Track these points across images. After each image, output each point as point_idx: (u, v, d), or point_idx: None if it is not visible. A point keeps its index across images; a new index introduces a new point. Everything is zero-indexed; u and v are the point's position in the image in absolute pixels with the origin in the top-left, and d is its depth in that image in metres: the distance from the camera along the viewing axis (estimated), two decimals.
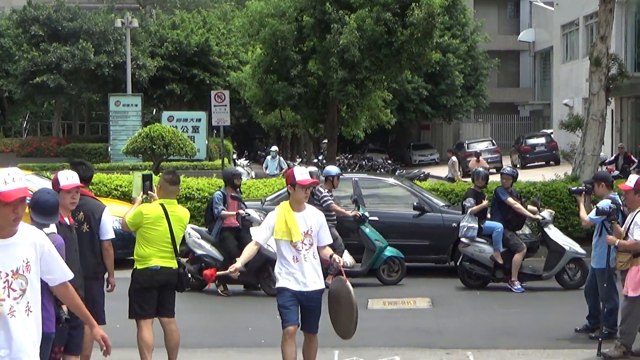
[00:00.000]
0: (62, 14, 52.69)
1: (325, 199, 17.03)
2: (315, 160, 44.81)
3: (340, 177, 17.99)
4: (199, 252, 16.39)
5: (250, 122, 62.12)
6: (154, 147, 30.00)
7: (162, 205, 10.24)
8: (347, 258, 15.93)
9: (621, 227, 11.54)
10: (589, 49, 25.89)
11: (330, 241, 10.04)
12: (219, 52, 55.26)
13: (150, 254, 10.15)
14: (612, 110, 43.55)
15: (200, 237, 16.65)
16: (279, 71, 41.47)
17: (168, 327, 10.41)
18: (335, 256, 9.74)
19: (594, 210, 12.45)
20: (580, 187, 14.50)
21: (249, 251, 9.79)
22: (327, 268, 13.90)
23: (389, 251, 17.18)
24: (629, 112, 49.50)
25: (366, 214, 17.29)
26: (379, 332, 13.47)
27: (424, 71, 46.25)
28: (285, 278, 9.62)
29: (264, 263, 15.43)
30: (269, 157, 38.31)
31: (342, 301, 9.61)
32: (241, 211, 16.19)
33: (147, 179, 10.91)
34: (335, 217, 16.91)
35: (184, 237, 14.41)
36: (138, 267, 10.28)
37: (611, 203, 12.09)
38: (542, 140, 55.21)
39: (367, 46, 38.19)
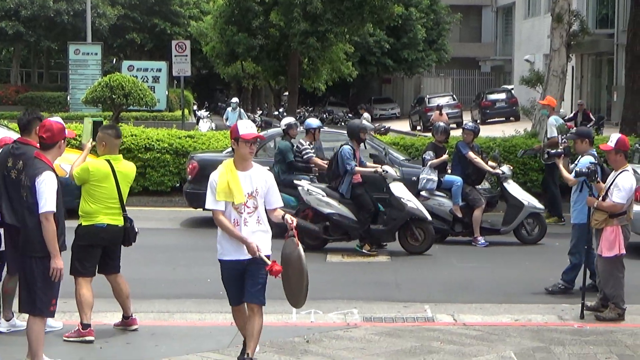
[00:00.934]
0: None
1: (307, 151, 17.02)
2: (276, 113, 44.74)
3: (322, 129, 17.97)
4: (327, 210, 15.58)
5: (211, 73, 61.87)
6: (113, 96, 29.64)
7: (108, 161, 9.92)
8: (391, 170, 15.87)
9: (603, 183, 11.54)
10: (550, 5, 25.86)
11: (281, 204, 8.94)
12: (180, 1, 54.89)
13: (96, 210, 9.82)
14: (573, 67, 43.86)
15: (325, 194, 15.78)
16: (240, 22, 41.33)
17: (115, 282, 10.20)
18: (288, 217, 8.66)
19: (573, 172, 12.35)
20: (556, 151, 14.17)
21: (227, 224, 8.51)
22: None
23: None
24: (589, 69, 49.80)
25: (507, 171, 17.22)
26: (337, 285, 13.46)
27: (386, 24, 46.28)
28: (224, 247, 8.72)
29: (406, 221, 15.54)
30: (229, 109, 38.11)
31: (292, 266, 8.65)
32: (379, 168, 15.73)
33: (98, 125, 10.70)
34: (315, 170, 16.94)
35: (299, 194, 15.79)
36: (83, 224, 9.93)
37: (590, 162, 11.99)
38: (502, 96, 55.46)
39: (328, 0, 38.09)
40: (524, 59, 53.99)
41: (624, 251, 11.18)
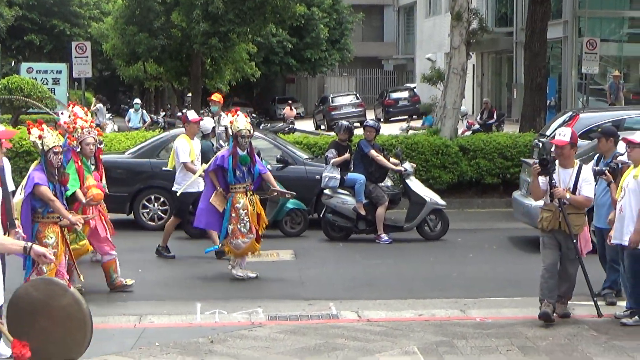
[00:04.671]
0: None
1: None
2: (179, 114, 44.37)
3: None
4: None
5: (113, 74, 61.08)
6: (12, 98, 29.21)
7: None
8: (410, 168, 16.83)
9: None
10: (450, 3, 26.09)
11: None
12: (80, 2, 54.19)
13: None
14: (473, 65, 44.51)
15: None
16: (141, 22, 40.99)
17: None
18: (38, 248, 6.66)
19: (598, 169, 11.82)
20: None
21: None
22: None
23: (292, 203, 17.17)
24: (489, 67, 50.55)
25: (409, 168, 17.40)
26: (242, 284, 13.40)
27: (289, 24, 46.33)
28: None
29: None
30: (131, 110, 37.75)
31: (57, 317, 6.69)
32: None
33: None
34: None
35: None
36: None
37: (611, 160, 11.68)
38: (405, 94, 55.97)
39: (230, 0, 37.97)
40: (425, 57, 54.53)
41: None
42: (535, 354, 9.55)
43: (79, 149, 12.26)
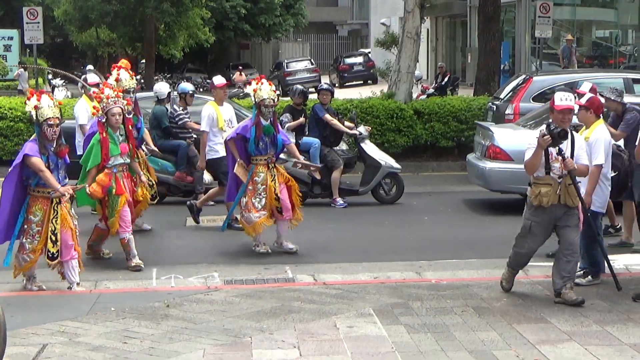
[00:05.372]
0: None
1: (181, 116, 16.77)
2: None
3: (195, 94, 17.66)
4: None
5: (65, 41, 60.52)
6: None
7: None
8: (365, 132, 16.72)
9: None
10: None
11: None
12: None
13: None
14: (427, 29, 44.46)
15: None
16: None
17: None
18: None
19: None
20: None
21: None
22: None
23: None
24: (443, 32, 50.53)
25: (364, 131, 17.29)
26: (197, 249, 13.45)
27: None
28: None
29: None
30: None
31: None
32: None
33: None
34: (191, 135, 16.73)
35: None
36: None
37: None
38: (359, 59, 55.98)
39: None
40: (379, 22, 54.56)
41: None
42: (490, 314, 9.62)
43: (104, 120, 11.76)
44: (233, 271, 11.96)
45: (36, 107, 10.47)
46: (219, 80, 15.67)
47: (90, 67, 41.84)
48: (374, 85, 44.49)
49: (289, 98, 20.21)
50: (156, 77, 47.42)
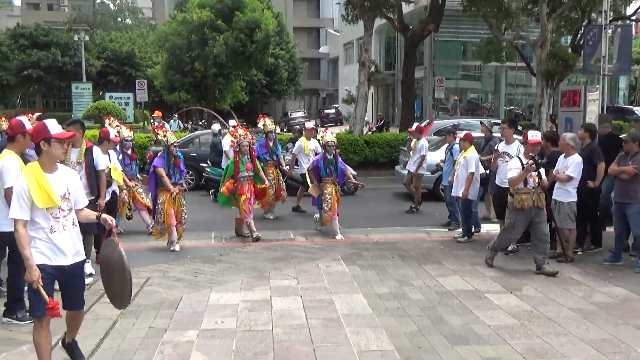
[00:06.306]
0: (39, 31, 50.02)
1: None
2: (200, 123, 43.71)
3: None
4: None
5: (160, 100, 59.91)
6: (100, 114, 28.87)
7: None
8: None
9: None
10: (359, 57, 26.09)
11: (87, 203, 5.26)
12: (140, 56, 53.31)
13: None
14: (372, 93, 44.35)
15: None
16: (177, 68, 40.57)
17: None
18: (105, 216, 5.11)
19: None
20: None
21: (26, 236, 4.81)
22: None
23: None
24: (381, 94, 50.51)
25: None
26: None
27: (264, 69, 45.99)
28: (41, 253, 4.89)
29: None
30: (171, 121, 37.23)
31: (114, 268, 5.13)
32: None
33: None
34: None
35: None
36: None
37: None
38: (333, 110, 55.94)
39: (230, 54, 37.69)
40: (344, 89, 54.47)
41: None
42: (409, 259, 9.65)
43: (238, 149, 11.13)
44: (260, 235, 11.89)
45: (165, 135, 10.37)
46: (309, 124, 15.45)
47: (232, 121, 41.63)
48: (341, 126, 44.44)
49: (290, 133, 20.07)
50: (213, 121, 47.30)
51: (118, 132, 10.99)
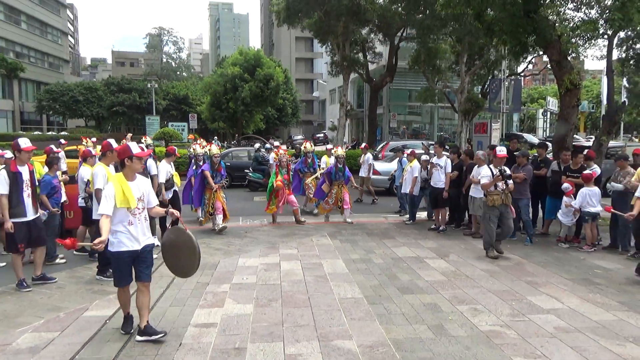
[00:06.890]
0: (124, 81, 50.46)
1: (267, 158, 14.79)
2: (233, 142, 43.55)
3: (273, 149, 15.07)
4: None
5: (205, 127, 59.51)
6: (165, 137, 28.72)
7: None
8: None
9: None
10: (340, 99, 26.01)
11: (157, 202, 5.02)
12: (192, 98, 53.12)
13: None
14: (348, 124, 44.19)
15: None
16: (217, 106, 40.39)
17: None
18: (172, 210, 5.00)
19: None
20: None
21: (107, 225, 4.60)
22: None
23: None
24: (354, 125, 50.35)
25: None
26: (261, 210, 12.71)
27: (275, 107, 45.80)
28: (120, 242, 4.75)
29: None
30: (213, 141, 37.04)
31: (182, 247, 4.84)
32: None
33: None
34: (272, 165, 13.47)
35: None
36: None
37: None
38: (322, 135, 55.09)
39: (252, 97, 37.56)
40: (330, 120, 54.36)
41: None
42: (373, 235, 9.49)
43: (278, 163, 10.35)
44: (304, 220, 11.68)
45: (210, 150, 10.09)
46: (308, 145, 13.69)
47: (276, 142, 41.33)
48: (327, 145, 44.07)
49: (294, 150, 19.76)
50: (242, 141, 47.06)
51: (209, 149, 10.36)
